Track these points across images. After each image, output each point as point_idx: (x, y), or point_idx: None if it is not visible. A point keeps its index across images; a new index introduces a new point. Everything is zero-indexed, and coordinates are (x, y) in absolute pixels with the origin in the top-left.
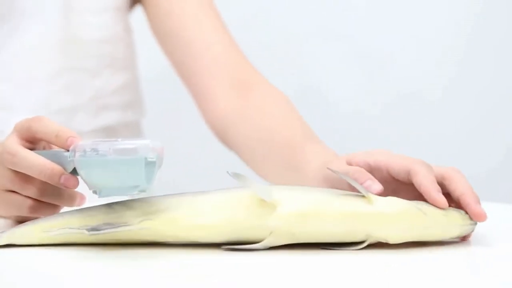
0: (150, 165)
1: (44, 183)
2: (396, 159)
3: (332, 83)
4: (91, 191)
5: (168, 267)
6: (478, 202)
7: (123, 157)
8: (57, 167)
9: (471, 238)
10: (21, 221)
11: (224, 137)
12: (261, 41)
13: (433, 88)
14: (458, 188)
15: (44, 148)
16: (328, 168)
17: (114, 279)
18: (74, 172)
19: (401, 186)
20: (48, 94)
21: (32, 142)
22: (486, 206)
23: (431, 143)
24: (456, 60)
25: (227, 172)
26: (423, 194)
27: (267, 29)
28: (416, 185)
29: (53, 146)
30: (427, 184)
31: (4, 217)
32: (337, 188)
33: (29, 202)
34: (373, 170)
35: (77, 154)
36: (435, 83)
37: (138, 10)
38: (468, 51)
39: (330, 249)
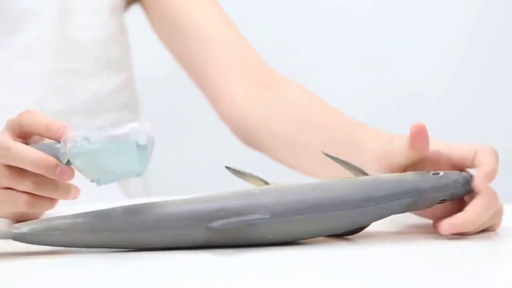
0: (142, 148)
1: (38, 177)
2: (461, 145)
3: (332, 83)
4: (88, 180)
5: (168, 268)
6: (490, 178)
7: (114, 144)
8: (51, 159)
9: (471, 238)
10: (18, 219)
11: (247, 133)
12: (261, 41)
13: (433, 89)
14: (480, 161)
15: (37, 142)
16: (322, 151)
17: (113, 279)
18: (69, 163)
19: None
20: (44, 96)
21: (24, 137)
22: None
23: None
24: (456, 61)
25: (225, 166)
26: (478, 172)
27: (267, 29)
28: (477, 163)
29: (46, 139)
30: (486, 167)
31: (1, 216)
32: (394, 167)
33: (24, 197)
34: (440, 158)
35: (69, 145)
36: (435, 84)
37: (133, 10)
38: (468, 51)
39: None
